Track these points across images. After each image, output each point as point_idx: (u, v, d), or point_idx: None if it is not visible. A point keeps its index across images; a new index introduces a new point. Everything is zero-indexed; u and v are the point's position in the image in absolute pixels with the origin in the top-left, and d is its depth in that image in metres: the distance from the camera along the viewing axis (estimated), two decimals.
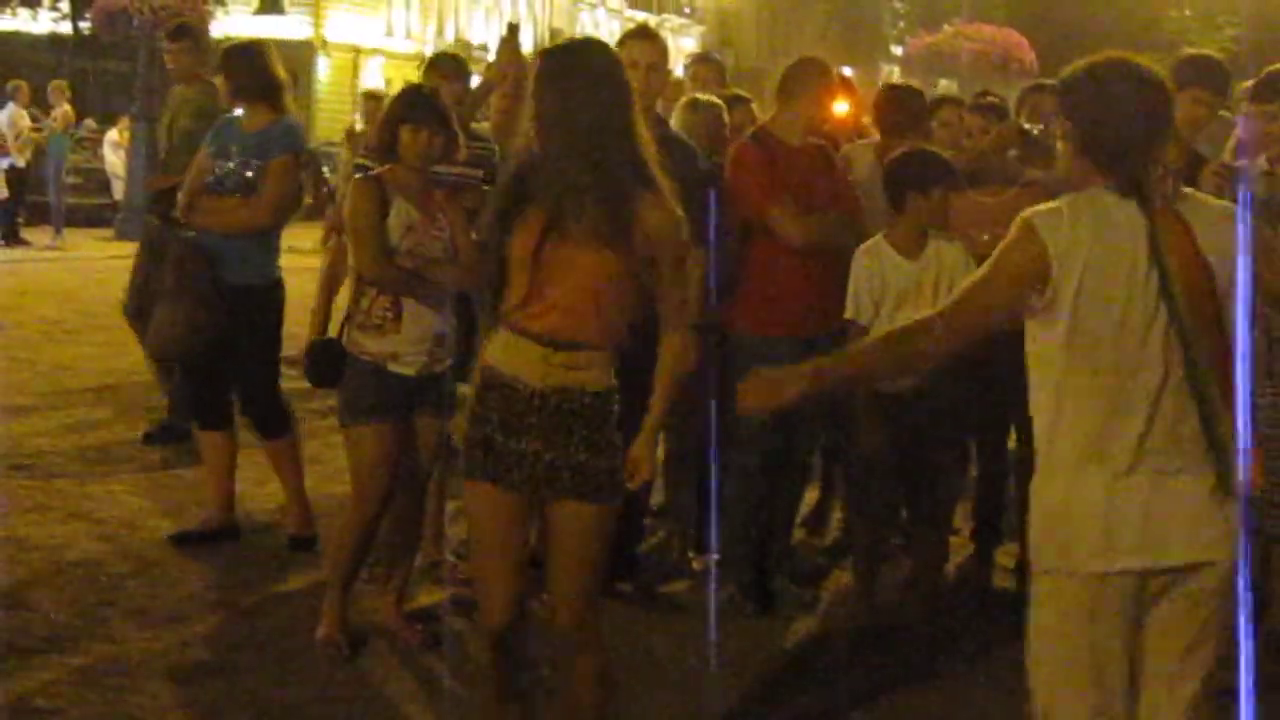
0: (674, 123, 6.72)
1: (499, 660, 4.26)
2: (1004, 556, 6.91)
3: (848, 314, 5.92)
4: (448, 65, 6.84)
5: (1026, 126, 6.59)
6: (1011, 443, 6.88)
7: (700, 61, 8.65)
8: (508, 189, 4.12)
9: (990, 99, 6.89)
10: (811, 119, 6.36)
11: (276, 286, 6.97)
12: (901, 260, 5.88)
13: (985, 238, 6.21)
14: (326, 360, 5.64)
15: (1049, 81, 7.24)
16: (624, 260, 3.99)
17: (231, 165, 6.63)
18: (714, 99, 6.97)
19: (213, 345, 6.64)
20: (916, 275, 5.87)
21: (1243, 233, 3.28)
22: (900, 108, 6.90)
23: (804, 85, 6.34)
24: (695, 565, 6.70)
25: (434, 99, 5.59)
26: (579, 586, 4.15)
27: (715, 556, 6.60)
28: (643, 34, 6.45)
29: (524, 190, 4.03)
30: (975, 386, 6.25)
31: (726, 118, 6.89)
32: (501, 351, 4.08)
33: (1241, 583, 3.27)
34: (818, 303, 6.11)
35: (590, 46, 4.26)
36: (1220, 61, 6.41)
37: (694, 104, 6.87)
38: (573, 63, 4.03)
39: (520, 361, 4.03)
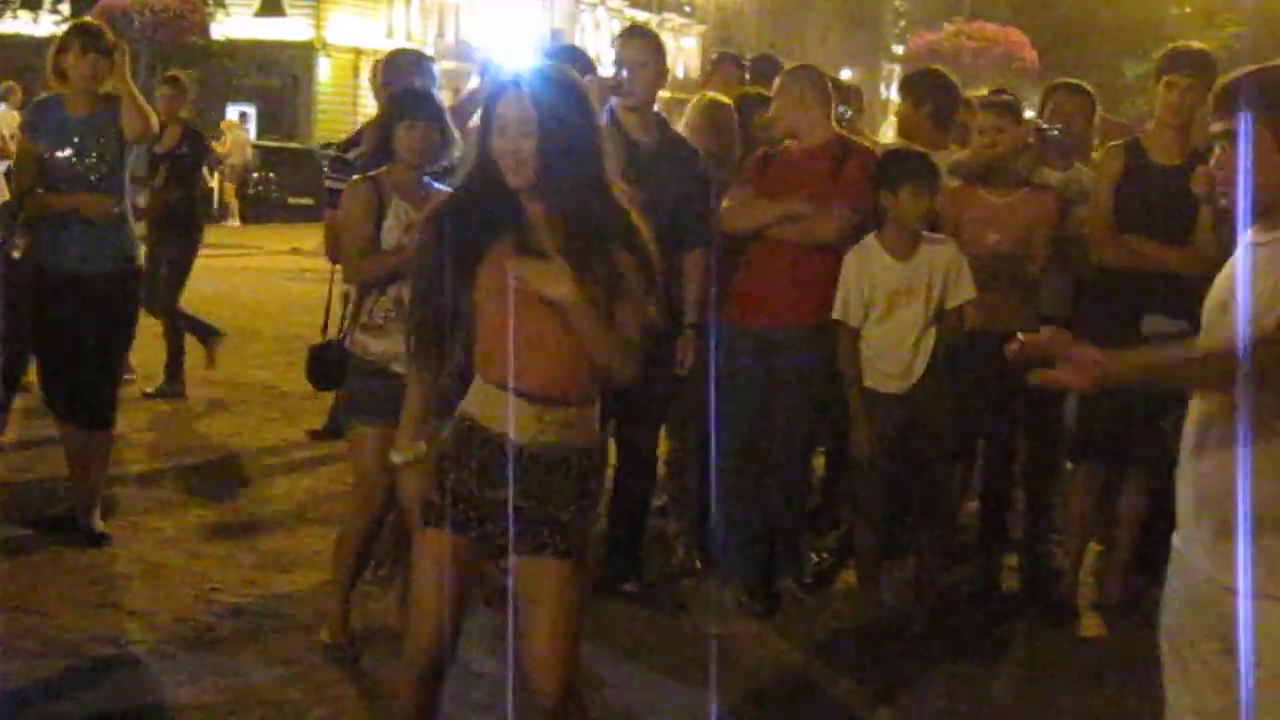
0: (684, 122, 6.73)
1: (419, 700, 3.98)
2: (1010, 556, 6.90)
3: (835, 314, 5.91)
4: (408, 62, 6.73)
5: (1044, 126, 6.56)
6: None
7: (724, 61, 8.61)
8: (467, 220, 3.80)
9: (1005, 97, 6.85)
10: (787, 123, 6.34)
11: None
12: (892, 261, 5.86)
13: (994, 238, 6.21)
14: (327, 362, 5.64)
15: (1073, 81, 7.21)
16: (599, 295, 3.70)
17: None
18: (725, 99, 6.96)
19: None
20: (908, 277, 5.85)
21: (1243, 248, 3.24)
22: (923, 79, 7.01)
23: (776, 92, 6.37)
24: (699, 565, 6.69)
25: (428, 96, 5.59)
26: (562, 649, 3.84)
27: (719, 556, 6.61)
28: (632, 33, 6.47)
29: (487, 222, 3.77)
30: (982, 388, 6.24)
31: (736, 117, 6.89)
32: (484, 406, 3.82)
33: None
34: (779, 297, 6.10)
35: (563, 73, 3.93)
36: (1202, 50, 6.40)
37: (707, 103, 6.87)
38: (548, 90, 3.74)
39: (507, 418, 3.77)
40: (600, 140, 3.83)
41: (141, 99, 6.67)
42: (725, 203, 6.27)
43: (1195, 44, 6.63)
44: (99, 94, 6.67)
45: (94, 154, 6.64)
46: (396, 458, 4.03)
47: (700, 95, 7.12)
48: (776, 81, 6.45)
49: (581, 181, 3.73)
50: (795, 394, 6.19)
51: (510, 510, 3.79)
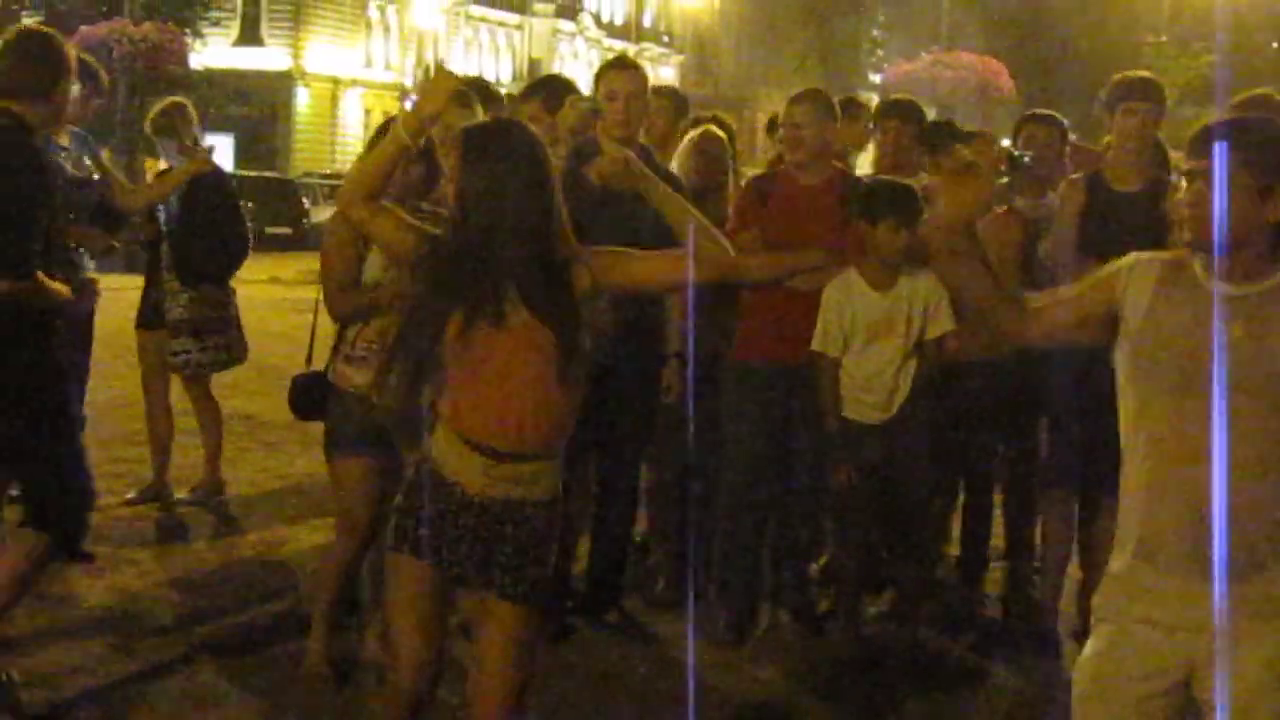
0: (678, 156, 6.75)
1: None
2: (990, 585, 6.91)
3: (815, 345, 5.92)
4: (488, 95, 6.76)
5: (1016, 154, 6.60)
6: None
7: (655, 94, 8.55)
8: (438, 273, 3.89)
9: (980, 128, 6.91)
10: (803, 149, 6.35)
11: None
12: (872, 293, 5.88)
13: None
14: (309, 393, 5.64)
15: (1045, 112, 7.27)
16: (561, 343, 3.79)
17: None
18: (718, 130, 6.98)
19: None
20: (888, 308, 5.87)
21: (1218, 264, 3.28)
22: (903, 104, 7.14)
23: (804, 121, 6.35)
24: (680, 595, 6.66)
25: None
26: (500, 690, 3.93)
27: (690, 591, 6.61)
28: (620, 64, 6.47)
29: (455, 272, 3.85)
30: (961, 418, 6.26)
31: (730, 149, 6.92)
32: (442, 451, 3.90)
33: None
34: (798, 332, 6.10)
35: (512, 127, 4.06)
36: (1151, 78, 6.48)
37: (699, 135, 6.90)
38: (495, 143, 3.87)
39: (460, 467, 3.86)
40: (543, 193, 3.85)
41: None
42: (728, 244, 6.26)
43: (1142, 73, 6.69)
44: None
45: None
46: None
47: (696, 130, 7.12)
48: (805, 103, 6.35)
49: (521, 233, 3.80)
50: (814, 426, 6.16)
51: (467, 539, 3.88)
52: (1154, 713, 3.37)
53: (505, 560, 3.88)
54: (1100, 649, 3.44)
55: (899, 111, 7.10)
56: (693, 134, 6.97)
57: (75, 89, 5.62)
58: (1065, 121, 7.13)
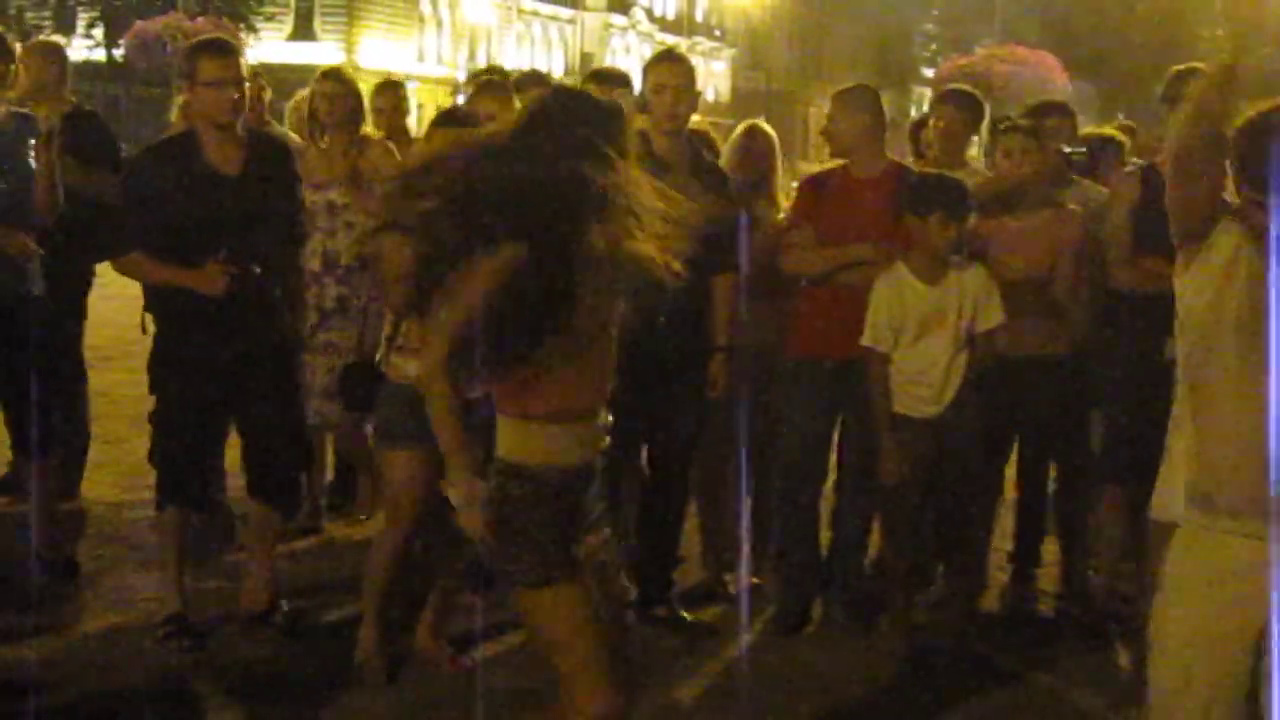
0: (727, 149, 6.77)
1: None
2: (1043, 580, 6.87)
3: (865, 340, 5.90)
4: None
5: (1068, 150, 6.54)
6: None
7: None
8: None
9: (1027, 121, 6.82)
10: (846, 144, 6.34)
11: None
12: (921, 286, 5.86)
13: (1018, 263, 6.19)
14: (359, 382, 5.66)
15: (961, 88, 7.24)
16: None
17: None
18: (765, 126, 6.99)
19: None
20: (938, 302, 5.85)
21: (1274, 255, 3.31)
22: (966, 93, 7.07)
23: (836, 116, 6.35)
24: (730, 589, 6.68)
25: (463, 121, 5.60)
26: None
27: (750, 580, 6.61)
28: (669, 57, 6.47)
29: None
30: (1011, 412, 6.24)
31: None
32: (523, 445, 3.75)
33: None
34: (851, 327, 6.07)
35: (583, 95, 3.99)
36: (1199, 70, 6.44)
37: (750, 131, 6.91)
38: (560, 109, 3.77)
39: (548, 450, 3.73)
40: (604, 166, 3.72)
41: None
42: (785, 243, 6.28)
43: (1204, 67, 6.62)
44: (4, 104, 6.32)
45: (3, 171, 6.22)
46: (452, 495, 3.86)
47: (744, 123, 7.14)
48: (836, 99, 6.40)
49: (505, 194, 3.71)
50: (866, 421, 6.11)
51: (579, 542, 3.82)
52: (1233, 675, 3.44)
53: (601, 534, 3.88)
54: (1174, 612, 3.48)
55: (955, 100, 7.04)
56: (739, 130, 6.99)
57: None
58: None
